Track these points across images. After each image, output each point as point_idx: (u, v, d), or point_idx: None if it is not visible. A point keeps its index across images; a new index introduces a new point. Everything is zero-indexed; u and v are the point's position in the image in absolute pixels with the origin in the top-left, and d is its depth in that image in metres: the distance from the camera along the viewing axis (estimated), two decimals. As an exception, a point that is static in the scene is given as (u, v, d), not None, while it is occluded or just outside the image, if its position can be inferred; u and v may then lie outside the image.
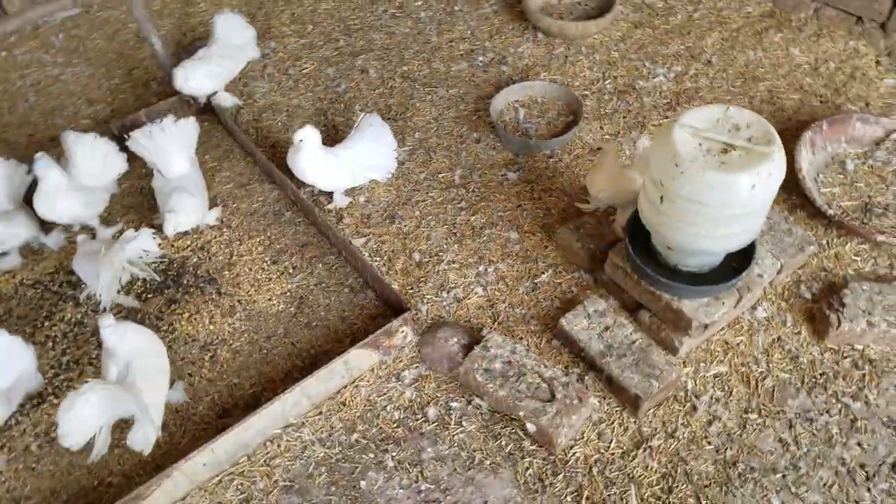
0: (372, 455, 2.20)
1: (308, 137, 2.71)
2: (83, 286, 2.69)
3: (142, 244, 2.63)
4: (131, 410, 2.09)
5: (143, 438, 2.10)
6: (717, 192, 1.87)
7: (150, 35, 3.17)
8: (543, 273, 2.64)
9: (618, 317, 2.39)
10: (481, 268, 2.67)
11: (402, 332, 2.37)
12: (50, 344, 2.55)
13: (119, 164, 2.91)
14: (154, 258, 2.75)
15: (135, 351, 2.18)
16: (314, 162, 2.78)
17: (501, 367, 2.26)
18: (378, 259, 2.73)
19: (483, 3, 4.02)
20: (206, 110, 3.40)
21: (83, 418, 2.03)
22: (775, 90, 3.33)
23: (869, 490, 2.08)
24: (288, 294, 2.63)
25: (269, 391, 2.35)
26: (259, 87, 3.55)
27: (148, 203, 3.00)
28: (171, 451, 2.22)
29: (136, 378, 2.13)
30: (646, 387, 2.19)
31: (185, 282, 2.69)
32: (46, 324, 2.61)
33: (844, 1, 3.49)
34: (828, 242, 2.68)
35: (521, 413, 2.15)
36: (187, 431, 2.27)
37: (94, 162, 2.83)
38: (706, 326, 2.25)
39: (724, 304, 2.25)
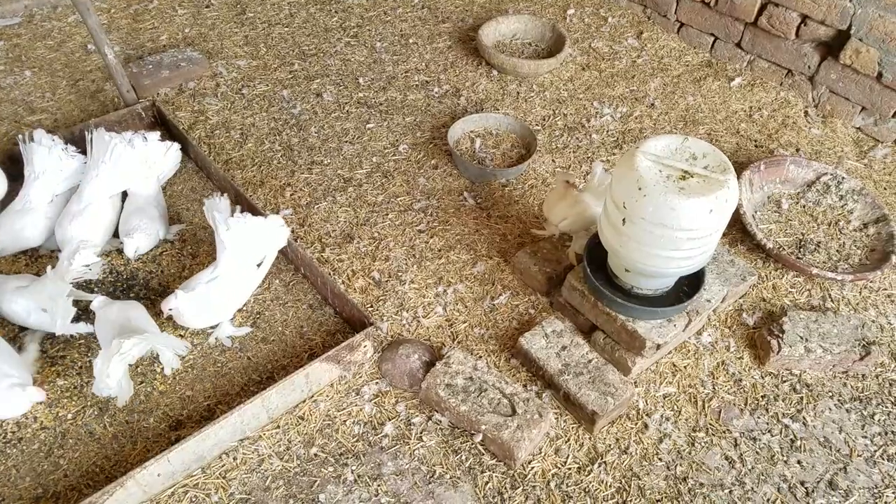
0: (331, 469, 2.18)
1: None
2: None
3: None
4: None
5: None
6: (678, 215, 1.96)
7: (103, 45, 3.13)
8: (501, 295, 2.69)
9: (574, 337, 2.46)
10: (440, 288, 2.71)
11: (364, 346, 2.37)
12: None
13: None
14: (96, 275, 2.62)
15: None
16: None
17: (463, 382, 2.28)
18: (336, 277, 2.73)
19: (437, 38, 4.12)
20: (157, 124, 3.35)
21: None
22: (714, 133, 3.52)
23: (810, 505, 2.19)
24: (243, 309, 2.60)
25: (224, 405, 2.30)
26: (212, 104, 3.53)
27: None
28: (121, 461, 2.14)
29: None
30: (602, 404, 2.25)
31: (135, 293, 2.62)
32: None
33: (776, 55, 3.74)
34: (766, 275, 2.83)
35: (483, 427, 2.18)
36: (139, 443, 2.19)
37: None
38: (658, 347, 2.33)
39: (675, 326, 2.35)
